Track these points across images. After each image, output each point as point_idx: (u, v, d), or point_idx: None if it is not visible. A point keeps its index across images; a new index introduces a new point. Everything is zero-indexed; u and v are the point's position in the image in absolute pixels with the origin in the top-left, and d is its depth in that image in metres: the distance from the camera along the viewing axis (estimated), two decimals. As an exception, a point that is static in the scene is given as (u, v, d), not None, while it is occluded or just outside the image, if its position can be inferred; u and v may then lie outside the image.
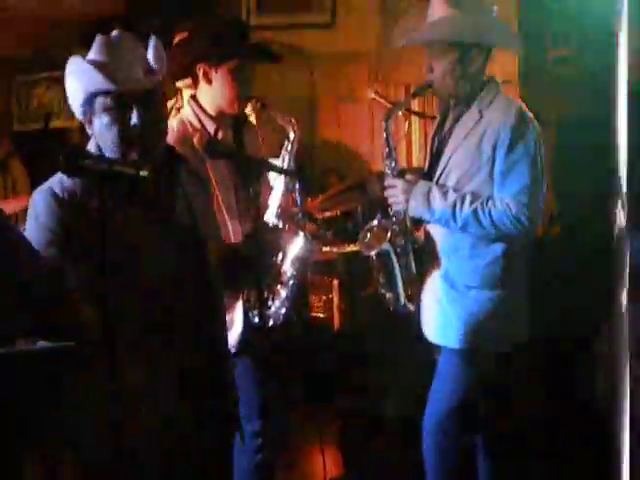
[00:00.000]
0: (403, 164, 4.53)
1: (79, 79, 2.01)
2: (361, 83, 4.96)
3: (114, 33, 2.05)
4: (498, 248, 2.76)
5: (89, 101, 2.03)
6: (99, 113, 2.03)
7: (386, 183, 2.84)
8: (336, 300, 4.28)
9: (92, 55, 2.03)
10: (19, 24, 4.85)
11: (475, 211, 2.69)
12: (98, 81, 1.98)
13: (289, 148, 2.81)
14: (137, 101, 2.00)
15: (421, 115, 4.08)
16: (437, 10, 2.74)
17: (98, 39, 2.04)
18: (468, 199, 2.71)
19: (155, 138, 2.09)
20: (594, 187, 3.71)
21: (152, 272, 2.02)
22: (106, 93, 2.00)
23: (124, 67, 2.00)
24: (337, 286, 4.16)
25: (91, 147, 2.09)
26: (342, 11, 5.03)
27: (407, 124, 3.89)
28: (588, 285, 3.57)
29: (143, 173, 1.90)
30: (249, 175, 2.78)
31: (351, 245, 3.60)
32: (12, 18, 4.85)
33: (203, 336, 2.11)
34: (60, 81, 2.16)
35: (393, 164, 2.86)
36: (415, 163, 4.67)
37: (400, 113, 3.76)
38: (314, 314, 4.43)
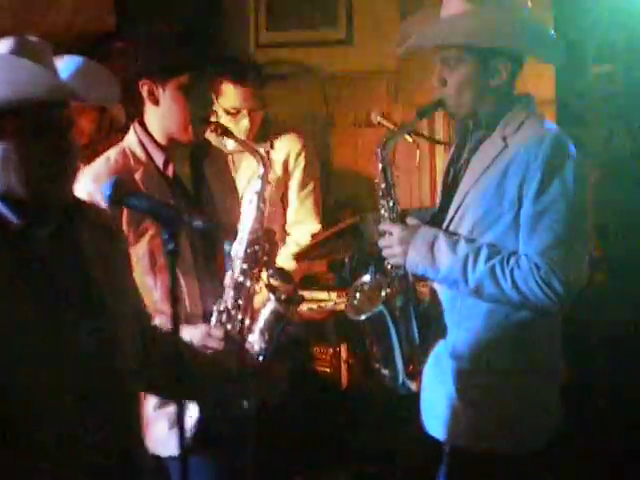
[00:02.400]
0: (424, 204, 3.93)
1: None
2: (379, 105, 4.47)
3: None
4: (524, 318, 2.13)
5: None
6: None
7: (381, 228, 2.24)
8: (344, 354, 3.67)
9: None
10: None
11: (492, 270, 2.08)
12: None
13: (258, 188, 2.23)
14: None
15: (435, 141, 3.46)
16: (451, 4, 2.15)
17: None
18: (484, 253, 2.10)
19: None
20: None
21: (43, 378, 1.47)
22: None
23: None
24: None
25: None
26: (359, 27, 4.57)
27: (419, 152, 3.26)
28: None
29: (197, 224, 1.57)
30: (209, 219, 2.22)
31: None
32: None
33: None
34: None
35: (391, 204, 2.26)
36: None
37: (410, 139, 3.15)
38: (320, 368, 3.83)
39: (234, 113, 3.12)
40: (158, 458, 2.07)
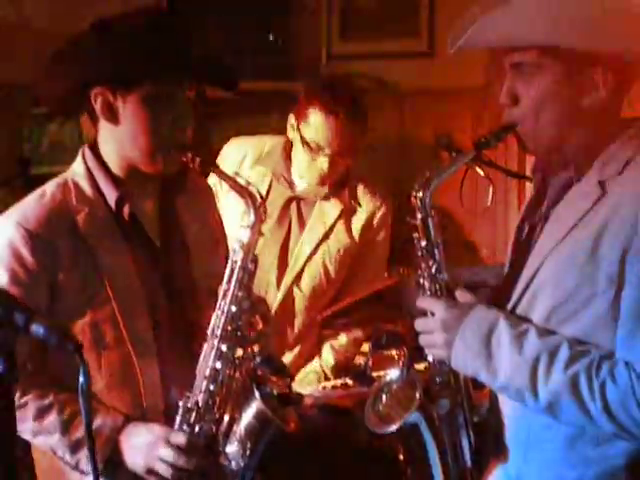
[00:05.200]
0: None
1: None
2: (463, 126, 3.93)
3: None
4: (620, 450, 1.44)
5: None
6: None
7: (418, 304, 1.59)
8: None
9: None
10: (35, 43, 4.02)
11: (574, 382, 1.40)
12: None
13: (245, 240, 1.59)
14: None
15: (514, 175, 2.73)
16: None
17: None
18: (564, 355, 1.42)
19: None
20: None
21: None
22: None
23: None
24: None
25: None
26: (442, 38, 3.99)
27: (491, 190, 2.55)
28: None
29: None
30: (179, 281, 1.63)
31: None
32: (28, 35, 4.05)
33: None
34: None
35: (434, 269, 1.60)
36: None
37: (481, 172, 2.46)
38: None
39: (314, 148, 2.48)
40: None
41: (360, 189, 2.63)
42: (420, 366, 1.80)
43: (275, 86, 3.79)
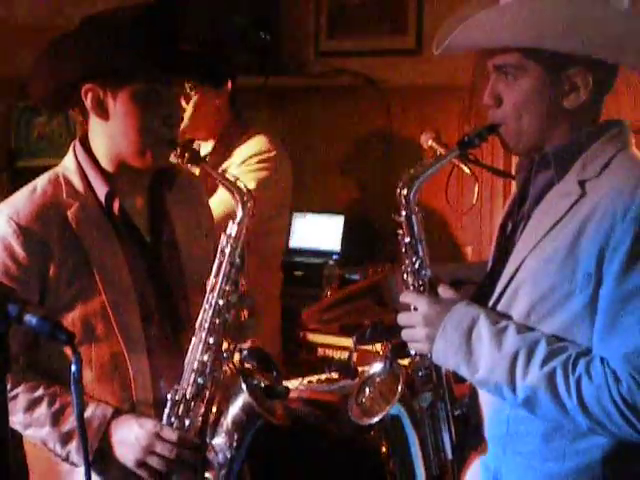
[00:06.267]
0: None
1: None
2: (450, 124, 3.94)
3: None
4: (597, 444, 1.48)
5: None
6: None
7: (401, 299, 1.62)
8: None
9: None
10: (26, 36, 4.01)
11: (551, 378, 1.43)
12: None
13: (233, 234, 1.62)
14: None
15: (499, 173, 2.76)
16: None
17: None
18: (541, 351, 1.45)
19: None
20: None
21: None
22: None
23: None
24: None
25: None
26: (430, 35, 4.00)
27: (477, 189, 2.59)
28: None
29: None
30: (169, 275, 1.66)
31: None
32: (18, 29, 4.04)
33: None
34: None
35: (417, 264, 1.63)
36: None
37: (467, 170, 2.49)
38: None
39: None
40: None
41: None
42: (404, 361, 1.84)
43: (264, 81, 3.81)
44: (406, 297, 1.61)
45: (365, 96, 4.02)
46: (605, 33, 1.47)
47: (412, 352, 1.63)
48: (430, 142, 2.60)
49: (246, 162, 2.55)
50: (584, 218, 1.48)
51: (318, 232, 3.60)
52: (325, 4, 4.20)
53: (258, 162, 2.56)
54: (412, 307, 1.60)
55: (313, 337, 2.93)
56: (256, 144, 2.59)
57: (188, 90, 2.30)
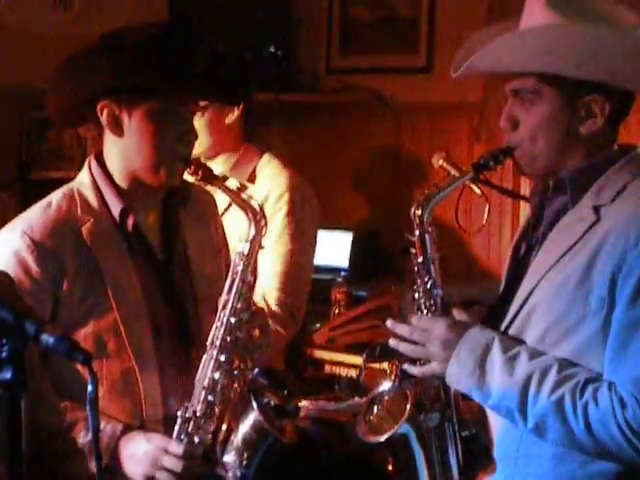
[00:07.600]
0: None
1: None
2: (460, 141, 3.95)
3: None
4: (606, 469, 1.47)
5: None
6: None
7: (417, 323, 1.61)
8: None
9: None
10: (39, 46, 4.03)
11: (560, 404, 1.44)
12: None
13: (245, 252, 1.63)
14: None
15: (509, 194, 2.74)
16: (532, 12, 1.53)
17: None
18: (552, 378, 1.45)
19: None
20: None
21: None
22: None
23: None
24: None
25: None
26: (441, 53, 4.05)
27: (487, 208, 2.58)
28: None
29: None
30: (181, 292, 1.66)
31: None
32: (31, 39, 4.05)
33: None
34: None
35: (429, 284, 1.63)
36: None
37: (477, 190, 2.49)
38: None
39: None
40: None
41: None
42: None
43: (275, 98, 3.82)
44: (417, 320, 1.61)
45: (375, 113, 4.04)
46: (622, 61, 1.47)
47: (420, 371, 1.62)
48: (441, 162, 2.60)
49: (281, 199, 2.40)
50: (598, 243, 1.48)
51: (326, 248, 3.60)
52: (337, 22, 4.23)
53: (291, 202, 2.39)
54: (422, 329, 1.59)
55: (320, 354, 2.94)
56: (286, 180, 2.44)
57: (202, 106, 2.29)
